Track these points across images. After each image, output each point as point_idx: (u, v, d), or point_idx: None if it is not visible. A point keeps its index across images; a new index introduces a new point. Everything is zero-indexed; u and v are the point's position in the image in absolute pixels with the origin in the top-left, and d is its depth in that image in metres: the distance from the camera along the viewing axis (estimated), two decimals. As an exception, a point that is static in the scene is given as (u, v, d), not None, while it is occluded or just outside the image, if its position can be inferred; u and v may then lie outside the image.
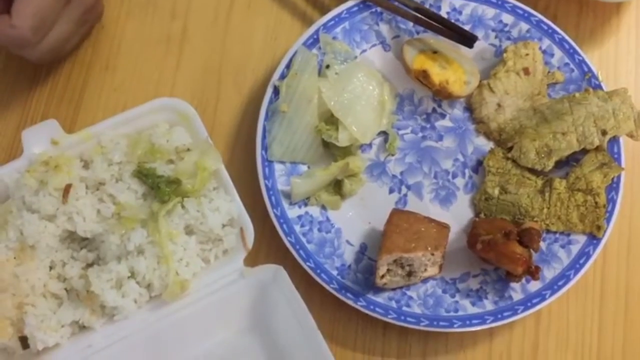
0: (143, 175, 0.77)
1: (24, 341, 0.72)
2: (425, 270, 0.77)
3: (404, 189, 0.84)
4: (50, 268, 0.75)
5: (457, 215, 0.83)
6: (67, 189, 0.75)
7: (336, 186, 0.83)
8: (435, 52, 0.86)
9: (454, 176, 0.84)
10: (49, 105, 0.89)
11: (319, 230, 0.81)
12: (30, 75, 0.90)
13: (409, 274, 0.76)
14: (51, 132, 0.79)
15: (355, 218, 0.82)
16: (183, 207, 0.76)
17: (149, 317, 0.73)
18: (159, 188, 0.76)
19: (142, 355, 0.72)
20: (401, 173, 0.85)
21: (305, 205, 0.82)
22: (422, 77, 0.84)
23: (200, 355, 0.73)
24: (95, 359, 0.72)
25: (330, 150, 0.84)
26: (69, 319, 0.73)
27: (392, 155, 0.85)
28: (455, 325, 0.76)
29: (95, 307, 0.73)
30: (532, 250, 0.76)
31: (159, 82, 0.90)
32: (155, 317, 0.73)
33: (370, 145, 0.86)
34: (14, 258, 0.73)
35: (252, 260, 0.79)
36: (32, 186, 0.75)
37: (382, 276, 0.75)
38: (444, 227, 0.78)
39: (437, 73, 0.84)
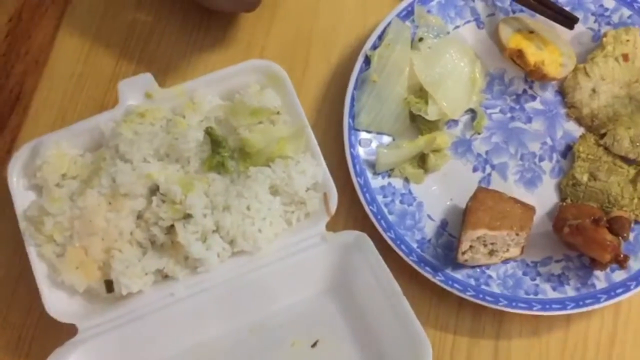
0: (215, 145, 0.77)
1: (109, 285, 0.75)
2: (507, 250, 0.76)
3: (488, 169, 0.83)
4: (138, 217, 0.77)
5: (542, 199, 0.81)
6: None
7: (420, 160, 0.82)
8: (531, 32, 0.85)
9: (541, 159, 0.83)
10: (140, 62, 0.91)
11: (401, 202, 0.80)
12: (124, 32, 0.92)
13: (491, 252, 0.76)
14: (146, 85, 0.81)
15: (438, 193, 0.82)
16: (270, 167, 0.77)
17: (231, 272, 0.74)
18: (223, 165, 0.77)
19: (222, 308, 0.74)
20: (486, 152, 0.83)
21: (389, 176, 0.81)
22: (517, 57, 0.83)
23: (279, 313, 0.74)
24: (176, 307, 0.73)
25: (417, 124, 0.84)
26: (153, 267, 0.75)
27: (479, 133, 0.84)
28: (535, 308, 0.75)
29: (180, 257, 0.75)
30: (621, 239, 0.74)
31: (249, 44, 0.91)
32: (236, 273, 0.74)
33: (456, 122, 0.85)
34: (109, 204, 0.75)
35: (331, 227, 0.79)
36: (127, 136, 0.77)
37: (464, 252, 0.75)
38: (530, 209, 0.77)
39: (533, 53, 0.83)
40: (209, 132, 0.77)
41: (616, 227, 0.73)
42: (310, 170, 0.77)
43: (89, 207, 0.75)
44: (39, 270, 0.75)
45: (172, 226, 0.75)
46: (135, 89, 0.80)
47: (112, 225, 0.75)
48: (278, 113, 0.80)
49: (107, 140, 0.79)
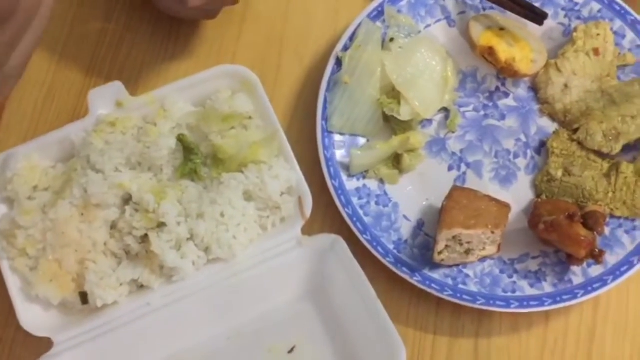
0: (187, 152, 0.76)
1: (83, 297, 0.74)
2: (484, 248, 0.76)
3: (463, 167, 0.83)
4: (112, 228, 0.76)
5: (517, 195, 0.81)
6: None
7: (395, 160, 0.82)
8: (502, 29, 0.85)
9: (516, 156, 0.83)
10: (111, 71, 0.90)
11: (377, 203, 0.80)
12: (94, 41, 0.91)
13: (467, 251, 0.76)
14: (116, 93, 0.80)
15: (413, 194, 0.82)
16: (243, 173, 0.76)
17: (206, 280, 0.74)
18: (196, 172, 0.76)
19: (198, 315, 0.73)
20: (461, 151, 0.83)
21: (364, 178, 0.81)
22: (488, 54, 0.83)
23: (256, 319, 0.73)
24: (153, 317, 0.73)
25: (390, 125, 0.83)
26: (128, 278, 0.74)
27: (453, 132, 0.84)
28: (513, 306, 0.75)
29: (154, 267, 0.74)
30: (596, 234, 0.74)
31: (220, 50, 0.90)
32: (212, 280, 0.74)
33: (430, 121, 0.85)
34: (82, 215, 0.74)
35: (307, 230, 0.78)
36: (98, 146, 0.77)
37: (440, 252, 0.75)
38: (505, 207, 0.77)
39: (504, 50, 0.83)
40: (180, 140, 0.77)
41: (591, 222, 0.73)
42: (284, 174, 0.77)
43: (61, 219, 0.74)
44: (13, 284, 0.74)
45: (146, 235, 0.74)
46: (106, 98, 0.80)
47: (85, 237, 0.74)
48: (250, 118, 0.79)
49: (78, 151, 0.78)
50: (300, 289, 0.74)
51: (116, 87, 0.80)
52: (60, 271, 0.74)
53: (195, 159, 0.77)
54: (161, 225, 0.74)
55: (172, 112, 0.80)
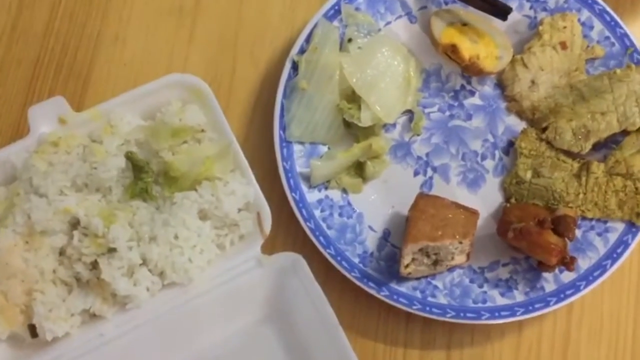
0: (136, 171, 0.72)
1: (32, 330, 0.70)
2: (453, 258, 0.73)
3: (429, 171, 0.79)
4: (60, 254, 0.72)
5: (486, 199, 0.78)
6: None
7: (358, 168, 0.78)
8: (465, 24, 0.81)
9: (483, 158, 0.80)
10: (55, 81, 0.85)
11: (340, 215, 0.76)
12: (36, 49, 0.85)
13: (435, 262, 0.72)
14: (59, 109, 0.75)
15: (378, 202, 0.78)
16: (196, 191, 0.72)
17: (162, 306, 0.70)
18: (147, 192, 0.72)
19: (155, 344, 0.70)
20: (427, 154, 0.80)
21: (326, 188, 0.77)
22: (451, 52, 0.79)
23: (215, 345, 0.70)
24: (107, 348, 0.69)
25: (352, 130, 0.79)
26: (79, 308, 0.70)
27: (418, 135, 0.80)
28: (483, 317, 0.72)
29: (107, 294, 0.70)
30: (567, 240, 0.71)
31: (171, 56, 0.85)
32: (168, 306, 0.70)
33: (394, 124, 0.81)
34: (26, 243, 0.70)
35: (269, 246, 0.75)
36: (41, 168, 0.72)
37: (407, 265, 0.71)
38: (473, 214, 0.74)
39: (467, 47, 0.79)
40: (129, 157, 0.72)
41: (561, 227, 0.70)
42: (241, 189, 0.73)
43: (4, 248, 0.70)
44: (-44, 320, 0.70)
45: (97, 261, 0.70)
46: (47, 115, 0.75)
47: (32, 266, 0.70)
48: (203, 131, 0.75)
49: (20, 173, 0.73)
50: (261, 311, 0.71)
51: (58, 103, 0.75)
52: (6, 304, 0.70)
53: (146, 178, 0.72)
54: (111, 250, 0.70)
55: (119, 127, 0.75)
